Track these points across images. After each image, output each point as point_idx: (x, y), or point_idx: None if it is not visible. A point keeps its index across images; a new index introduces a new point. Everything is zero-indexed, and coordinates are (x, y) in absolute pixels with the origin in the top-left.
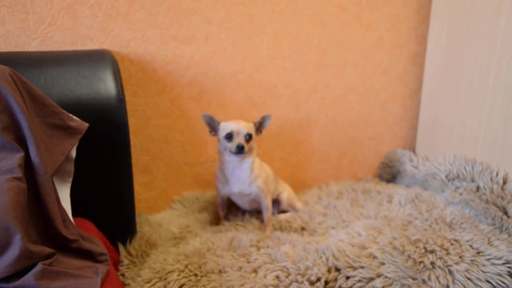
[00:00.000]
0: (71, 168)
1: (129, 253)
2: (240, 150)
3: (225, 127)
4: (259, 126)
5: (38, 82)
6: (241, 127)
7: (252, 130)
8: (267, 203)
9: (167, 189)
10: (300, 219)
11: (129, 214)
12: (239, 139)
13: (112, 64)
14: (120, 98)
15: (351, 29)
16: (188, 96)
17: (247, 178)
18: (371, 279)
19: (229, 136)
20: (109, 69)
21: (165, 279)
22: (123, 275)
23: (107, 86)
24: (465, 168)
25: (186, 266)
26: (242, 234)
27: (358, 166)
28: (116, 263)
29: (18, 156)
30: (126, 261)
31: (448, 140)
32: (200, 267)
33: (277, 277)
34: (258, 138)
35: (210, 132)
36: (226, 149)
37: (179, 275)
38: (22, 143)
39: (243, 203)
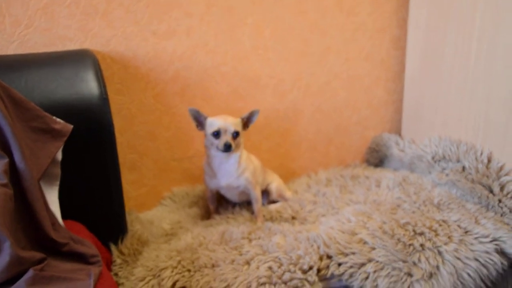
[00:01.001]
0: (58, 170)
1: (122, 252)
2: (227, 148)
3: (212, 123)
4: (247, 121)
5: (19, 85)
6: (228, 124)
7: (239, 127)
8: (256, 195)
9: (156, 185)
10: (290, 208)
11: (119, 213)
12: (226, 137)
13: (93, 64)
14: (103, 97)
15: (332, 16)
16: (172, 91)
17: (235, 171)
18: (363, 264)
19: (216, 134)
20: (90, 69)
21: (159, 276)
22: (116, 274)
23: (89, 86)
24: (450, 149)
25: (179, 262)
26: (233, 227)
27: (345, 152)
28: (109, 263)
29: (3, 162)
30: (119, 261)
31: (433, 122)
32: (193, 262)
33: (270, 268)
34: (247, 131)
35: (197, 126)
36: (213, 145)
37: (172, 271)
38: (6, 149)
39: (232, 196)
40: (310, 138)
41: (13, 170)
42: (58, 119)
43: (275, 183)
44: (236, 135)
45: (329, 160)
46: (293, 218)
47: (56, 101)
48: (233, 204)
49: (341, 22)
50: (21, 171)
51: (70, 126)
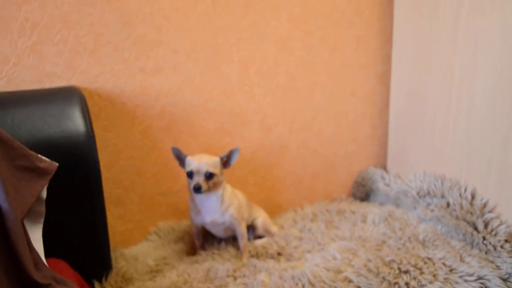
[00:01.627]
0: (42, 208)
1: None
2: (196, 190)
3: (188, 163)
4: (227, 160)
5: (5, 123)
6: (202, 165)
7: (215, 167)
8: (241, 231)
9: (142, 220)
10: (276, 244)
11: (104, 249)
12: (198, 178)
13: (80, 101)
14: (90, 135)
15: (317, 52)
16: (158, 127)
17: (218, 208)
18: None
19: (190, 174)
20: (77, 106)
21: None
22: None
23: (75, 123)
24: (435, 184)
25: None
26: (219, 264)
27: (332, 187)
28: None
29: None
30: None
31: (417, 157)
32: None
33: None
34: (233, 165)
35: (180, 164)
36: (189, 185)
37: None
38: None
39: (218, 232)
40: (296, 172)
41: None
42: (43, 158)
43: (261, 218)
44: (209, 175)
45: (315, 194)
46: (279, 254)
47: (42, 139)
48: (219, 240)
49: (327, 58)
50: (5, 211)
51: (56, 164)
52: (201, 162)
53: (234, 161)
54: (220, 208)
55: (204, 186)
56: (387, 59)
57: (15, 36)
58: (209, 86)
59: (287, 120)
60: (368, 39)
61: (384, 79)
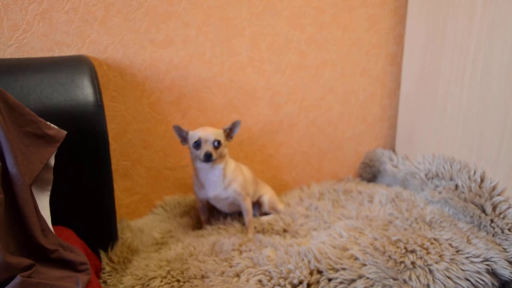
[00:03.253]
0: (50, 176)
1: (111, 260)
2: (208, 158)
3: (193, 135)
4: (229, 132)
5: (14, 90)
6: (208, 133)
7: (221, 137)
8: (246, 206)
9: (148, 193)
10: (282, 221)
11: (111, 220)
12: (207, 147)
13: (89, 70)
14: (99, 104)
15: (329, 31)
16: (167, 100)
17: (221, 183)
18: (353, 280)
19: (197, 144)
20: (86, 76)
21: (148, 285)
22: (105, 282)
23: (85, 92)
24: (443, 166)
25: (168, 272)
26: (224, 238)
27: (339, 167)
28: (98, 271)
29: None
30: (108, 268)
31: (427, 139)
32: (182, 273)
33: (260, 281)
34: (239, 141)
35: (181, 142)
36: (196, 157)
37: (161, 281)
38: None
39: (222, 207)
40: (303, 151)
41: (4, 175)
42: (52, 125)
43: (268, 195)
44: (217, 144)
45: (322, 174)
46: (285, 231)
47: (51, 106)
48: (225, 215)
49: (338, 37)
50: (13, 176)
51: (64, 132)
52: (206, 131)
53: (236, 133)
54: (223, 183)
55: (214, 154)
56: (399, 39)
57: (25, 2)
58: (219, 60)
59: (296, 97)
60: (381, 18)
61: (396, 59)
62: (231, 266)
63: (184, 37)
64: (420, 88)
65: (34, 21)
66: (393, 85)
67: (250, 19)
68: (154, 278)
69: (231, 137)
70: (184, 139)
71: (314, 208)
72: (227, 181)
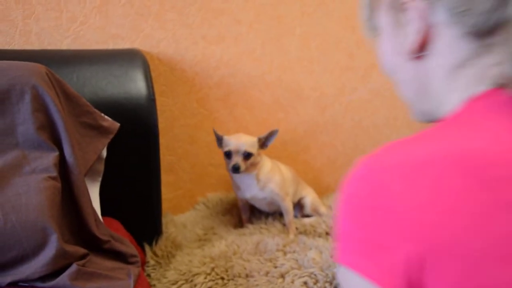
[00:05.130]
0: (101, 167)
1: (155, 254)
2: (235, 170)
3: (226, 143)
4: (265, 141)
5: (71, 80)
6: (240, 144)
7: (253, 148)
8: (286, 206)
9: (192, 189)
10: (324, 224)
11: (156, 214)
12: (236, 158)
13: (143, 64)
14: (151, 98)
15: None
16: (215, 97)
17: (255, 185)
18: None
19: (228, 154)
20: (140, 69)
21: (191, 281)
22: (149, 275)
23: (138, 86)
24: None
25: (213, 269)
26: (268, 238)
27: None
28: (142, 264)
29: (53, 155)
30: (152, 262)
31: None
32: (226, 271)
33: (305, 283)
34: (283, 141)
35: (218, 145)
36: (227, 164)
37: (205, 278)
38: (57, 142)
39: (261, 206)
40: (347, 153)
41: (62, 164)
42: (106, 117)
43: (310, 197)
44: (247, 155)
45: None
46: (327, 233)
47: (105, 98)
48: (266, 215)
49: None
50: (70, 165)
51: (117, 124)
52: (239, 141)
53: (272, 142)
54: (257, 185)
55: (242, 166)
56: None
57: None
58: (268, 58)
59: (343, 99)
60: None
61: None
62: (275, 267)
63: (235, 34)
64: None
65: (91, 14)
66: None
67: (301, 18)
68: (198, 274)
69: (266, 146)
70: (219, 143)
71: None
72: (262, 183)
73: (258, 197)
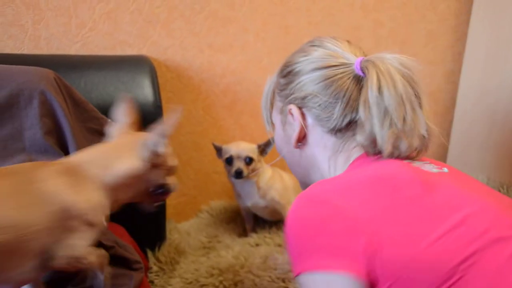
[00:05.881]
0: None
1: (158, 260)
2: (238, 174)
3: (226, 150)
4: (264, 147)
5: (79, 85)
6: (240, 150)
7: (253, 153)
8: (286, 214)
9: (196, 196)
10: None
11: (160, 220)
12: (238, 163)
13: (150, 71)
14: (158, 105)
15: (386, 45)
16: (221, 104)
17: (256, 193)
18: None
19: (229, 160)
20: (147, 76)
21: None
22: (152, 282)
23: (145, 92)
24: (499, 191)
25: (221, 282)
26: (277, 253)
27: None
28: (145, 270)
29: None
30: (155, 268)
31: (481, 161)
32: (235, 285)
33: None
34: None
35: (218, 157)
36: (228, 171)
37: None
38: (64, 147)
39: (264, 215)
40: None
41: None
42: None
43: None
44: (249, 160)
45: None
46: None
47: (112, 104)
48: (270, 224)
49: (395, 51)
50: None
51: None
52: (239, 147)
53: (270, 149)
54: (258, 193)
55: (245, 170)
56: (458, 57)
57: (94, 1)
58: (275, 67)
59: None
60: (440, 35)
61: (452, 77)
62: None
63: (242, 42)
64: (478, 108)
65: (100, 20)
66: (448, 103)
67: (308, 28)
68: (206, 285)
69: (266, 152)
70: (219, 152)
71: None
72: (262, 190)
73: (259, 205)
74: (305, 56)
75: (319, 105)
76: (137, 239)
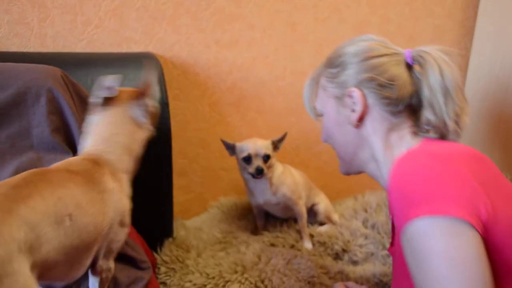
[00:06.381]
0: None
1: (164, 261)
2: (259, 172)
3: (242, 148)
4: (278, 143)
5: (85, 83)
6: (258, 147)
7: (270, 150)
8: (299, 210)
9: (203, 193)
10: (341, 238)
11: (167, 218)
12: (257, 162)
13: (156, 68)
14: (164, 102)
15: (393, 40)
16: (228, 101)
17: (268, 189)
18: None
19: (248, 159)
20: (154, 73)
21: (223, 286)
22: (164, 283)
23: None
24: None
25: (246, 279)
26: (300, 257)
27: None
28: (154, 267)
29: (68, 158)
30: (163, 269)
31: (488, 156)
32: (262, 282)
33: None
34: (295, 146)
35: (230, 154)
36: (245, 170)
37: (239, 286)
38: (71, 144)
39: (276, 212)
40: None
41: None
42: None
43: (323, 204)
44: (267, 158)
45: (376, 183)
46: (344, 250)
47: None
48: (281, 222)
49: (402, 47)
50: None
51: None
52: (256, 145)
53: (282, 144)
54: (270, 190)
55: (265, 168)
56: (465, 52)
57: None
58: (281, 64)
59: None
60: (447, 30)
61: (460, 72)
62: None
63: (248, 39)
64: (484, 104)
65: (106, 17)
66: None
67: (315, 25)
68: (231, 281)
69: (278, 148)
70: (232, 151)
71: (371, 225)
72: (275, 187)
73: (272, 202)
74: (357, 47)
75: (378, 88)
76: (145, 237)
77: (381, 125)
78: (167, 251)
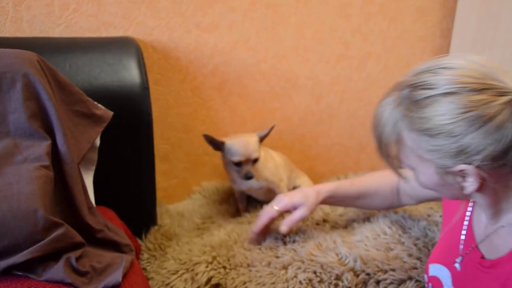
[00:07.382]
0: (94, 156)
1: (148, 247)
2: (249, 178)
3: (232, 151)
4: (263, 138)
5: (63, 68)
6: (250, 153)
7: (258, 150)
8: (281, 192)
9: (187, 178)
10: (321, 211)
11: (150, 203)
12: (247, 167)
13: (136, 52)
14: (145, 86)
15: (375, 21)
16: (210, 85)
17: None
18: (403, 281)
19: (239, 164)
20: (133, 57)
21: (193, 270)
22: (145, 269)
23: (131, 74)
24: None
25: (214, 257)
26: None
27: (377, 160)
28: (137, 253)
29: (46, 144)
30: (146, 255)
31: None
32: (228, 260)
33: (310, 280)
34: (279, 130)
35: (214, 149)
36: (233, 169)
37: (207, 266)
38: (49, 131)
39: (258, 196)
40: (342, 143)
41: (54, 153)
42: (99, 105)
43: (305, 185)
44: (255, 160)
45: (360, 166)
46: (324, 221)
47: (98, 86)
48: (262, 203)
49: (384, 28)
50: (63, 154)
51: (111, 113)
52: (248, 150)
53: (267, 136)
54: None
55: (253, 172)
56: (446, 33)
57: None
58: (263, 47)
59: (338, 88)
60: (429, 10)
61: (441, 53)
62: (277, 257)
63: (229, 22)
64: None
65: (83, 1)
66: None
67: (296, 6)
68: (199, 263)
69: (262, 141)
70: (216, 146)
71: None
72: (258, 173)
73: (255, 187)
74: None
75: (492, 158)
76: (128, 223)
77: (506, 186)
78: (152, 238)
